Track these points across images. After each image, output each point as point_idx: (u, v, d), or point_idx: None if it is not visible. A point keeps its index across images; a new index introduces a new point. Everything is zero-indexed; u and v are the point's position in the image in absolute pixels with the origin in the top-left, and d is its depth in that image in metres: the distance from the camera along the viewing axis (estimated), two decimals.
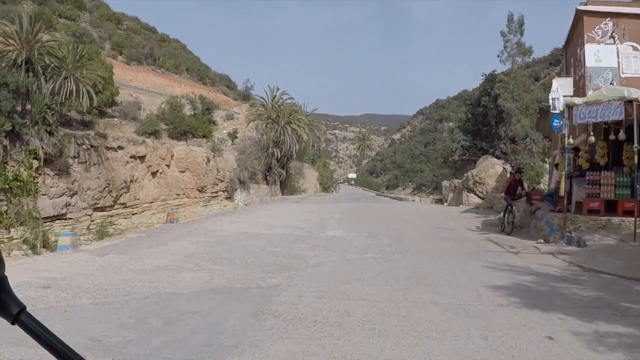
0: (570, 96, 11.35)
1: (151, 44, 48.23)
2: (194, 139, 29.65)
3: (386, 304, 4.84)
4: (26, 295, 4.58)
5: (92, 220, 21.44)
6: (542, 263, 7.56)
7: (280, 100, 36.47)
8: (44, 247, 16.03)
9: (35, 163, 18.02)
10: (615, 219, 9.82)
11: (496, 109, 26.90)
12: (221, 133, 35.24)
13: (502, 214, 13.26)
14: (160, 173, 26.64)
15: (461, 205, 22.53)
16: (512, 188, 12.56)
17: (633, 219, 9.08)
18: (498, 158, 25.76)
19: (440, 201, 28.11)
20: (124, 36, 44.70)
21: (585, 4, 13.33)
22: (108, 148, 23.06)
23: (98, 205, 21.85)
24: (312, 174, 46.26)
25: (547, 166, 26.45)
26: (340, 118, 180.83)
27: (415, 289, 5.58)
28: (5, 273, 0.68)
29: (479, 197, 22.63)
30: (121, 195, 23.53)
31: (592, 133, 10.55)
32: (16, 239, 16.66)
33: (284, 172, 35.09)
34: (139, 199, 25.14)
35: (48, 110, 18.24)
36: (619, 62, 13.09)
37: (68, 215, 19.94)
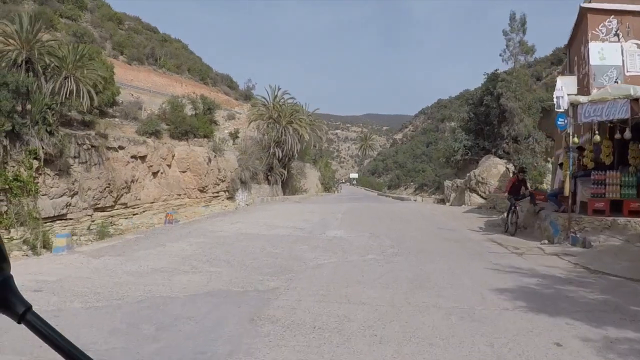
0: (575, 95, 11.18)
1: (152, 43, 48.17)
2: (195, 139, 29.54)
3: (388, 308, 4.69)
4: None
5: (93, 221, 21.35)
6: (547, 265, 7.40)
7: (282, 100, 36.35)
8: (44, 247, 15.94)
9: (36, 163, 17.95)
10: (621, 220, 9.65)
11: (499, 108, 26.72)
12: (222, 133, 35.13)
13: (505, 214, 13.10)
14: (161, 173, 26.54)
15: (463, 205, 22.36)
16: (516, 188, 12.40)
17: (639, 219, 8.92)
18: (500, 158, 25.58)
19: (442, 201, 27.94)
20: (125, 36, 44.64)
21: (589, 2, 13.16)
22: (109, 148, 22.98)
23: (99, 206, 21.76)
24: (314, 174, 46.11)
25: (550, 166, 26.27)
26: (342, 118, 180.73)
27: (417, 292, 5.43)
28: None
29: (481, 197, 22.46)
30: (122, 195, 23.44)
31: (597, 132, 10.37)
32: (16, 239, 16.58)
33: (286, 172, 34.96)
34: (140, 199, 25.05)
35: (48, 110, 18.16)
36: (623, 60, 12.92)
37: (68, 216, 19.86)
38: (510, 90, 26.21)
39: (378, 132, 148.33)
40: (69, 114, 22.23)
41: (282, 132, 33.85)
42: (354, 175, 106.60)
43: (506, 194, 12.84)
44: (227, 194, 29.53)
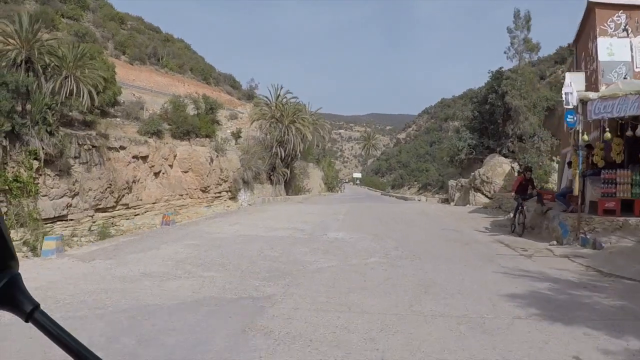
0: (583, 91, 10.86)
1: (155, 43, 48.04)
2: (197, 138, 29.33)
3: (391, 318, 4.38)
4: None
5: (94, 222, 21.21)
6: (557, 267, 7.09)
7: (284, 100, 36.12)
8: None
9: (36, 164, 17.82)
10: (633, 220, 9.32)
11: (503, 106, 26.36)
12: (225, 133, 34.92)
13: (512, 215, 12.78)
14: (163, 173, 26.37)
15: (468, 205, 22.04)
16: (523, 187, 12.08)
17: None
18: (505, 157, 25.23)
19: (446, 201, 27.63)
20: (127, 36, 44.53)
21: None
22: (110, 148, 22.82)
23: (100, 206, 21.62)
24: (317, 173, 45.86)
25: (556, 165, 25.90)
26: (345, 118, 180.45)
27: (423, 298, 5.12)
28: None
29: (486, 196, 22.14)
30: (123, 196, 23.28)
31: (607, 129, 10.04)
32: (16, 240, 16.41)
33: (288, 172, 34.71)
34: (141, 200, 24.89)
35: (48, 110, 18.01)
36: (632, 56, 12.61)
37: (69, 217, 19.72)
38: (515, 88, 25.84)
39: (381, 131, 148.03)
40: (70, 114, 22.08)
41: (284, 132, 33.61)
42: (358, 175, 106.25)
43: (513, 194, 12.51)
44: (229, 194, 29.32)
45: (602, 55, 12.53)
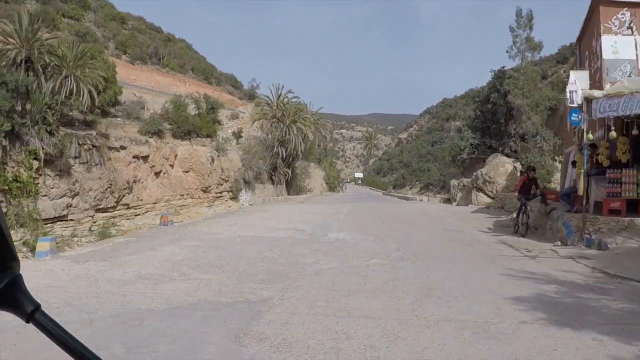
0: (588, 89, 10.69)
1: (156, 43, 47.99)
2: (198, 138, 29.22)
3: (392, 323, 4.22)
4: None
5: (94, 222, 21.13)
6: (563, 269, 6.93)
7: (286, 99, 35.99)
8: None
9: (36, 164, 17.74)
10: (639, 220, 9.15)
11: (506, 105, 26.17)
12: (226, 132, 34.81)
13: (515, 215, 12.62)
14: (164, 173, 26.28)
15: (470, 205, 21.87)
16: (526, 187, 11.91)
17: None
18: (508, 156, 25.06)
19: (448, 201, 27.47)
20: (128, 35, 44.49)
21: None
22: (110, 148, 22.73)
23: (100, 207, 21.54)
24: (319, 173, 45.72)
25: (558, 165, 25.71)
26: (347, 117, 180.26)
27: (425, 302, 4.96)
28: None
29: (488, 196, 21.98)
30: (124, 196, 23.20)
31: (613, 128, 9.87)
32: (16, 241, 16.31)
33: (290, 172, 34.58)
34: (142, 200, 24.80)
35: (48, 109, 17.94)
36: (637, 54, 12.44)
37: (69, 217, 19.64)
38: (517, 87, 25.65)
39: (383, 131, 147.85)
40: (70, 113, 22.00)
41: (286, 132, 33.47)
42: (359, 174, 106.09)
43: (516, 194, 12.35)
44: (230, 194, 29.20)
45: (607, 53, 12.37)
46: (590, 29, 13.95)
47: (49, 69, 20.06)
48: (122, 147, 23.35)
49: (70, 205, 19.57)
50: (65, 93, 19.87)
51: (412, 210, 19.06)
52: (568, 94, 9.74)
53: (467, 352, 3.52)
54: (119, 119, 26.72)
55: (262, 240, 9.35)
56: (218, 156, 28.33)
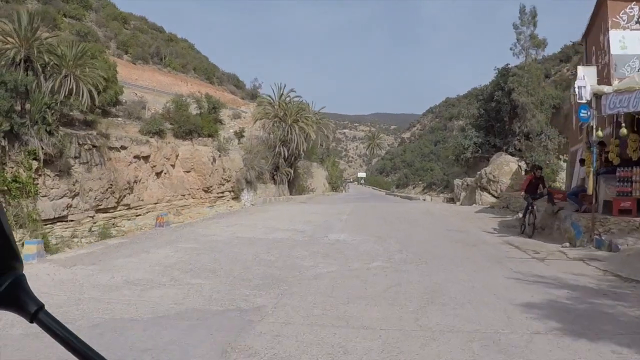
0: (597, 85, 10.38)
1: (158, 43, 47.86)
2: (200, 138, 29.03)
3: (394, 334, 3.93)
4: None
5: (95, 222, 20.98)
6: (573, 272, 6.64)
7: (288, 99, 35.75)
8: (44, 249, 15.57)
9: (35, 164, 17.62)
10: None
11: (510, 103, 25.83)
12: (228, 132, 34.62)
13: (520, 215, 12.32)
14: (165, 173, 26.10)
15: (474, 205, 21.56)
16: (533, 186, 11.60)
17: None
18: (512, 155, 24.72)
19: (451, 200, 27.17)
20: (130, 35, 44.38)
21: None
22: (111, 148, 22.58)
23: (100, 207, 21.39)
24: (321, 173, 45.48)
25: (563, 163, 25.36)
26: (350, 117, 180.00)
27: (430, 309, 4.67)
28: None
29: (493, 196, 21.67)
30: (124, 196, 23.05)
31: (623, 124, 9.56)
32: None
33: (292, 172, 34.36)
34: (142, 200, 24.64)
35: (48, 109, 17.80)
36: None
37: (69, 217, 19.50)
38: (522, 85, 25.29)
39: (386, 131, 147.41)
40: (71, 113, 21.86)
41: (288, 131, 33.24)
42: (362, 174, 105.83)
43: (522, 193, 12.04)
44: (232, 194, 29.00)
45: (615, 48, 12.06)
46: (597, 24, 13.64)
47: (49, 68, 19.92)
48: (123, 147, 23.19)
49: (70, 206, 19.42)
50: (65, 92, 19.72)
51: (415, 210, 18.77)
52: (577, 90, 9.44)
53: None
54: (119, 119, 26.56)
55: (260, 242, 9.09)
56: (220, 156, 28.13)
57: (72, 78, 19.84)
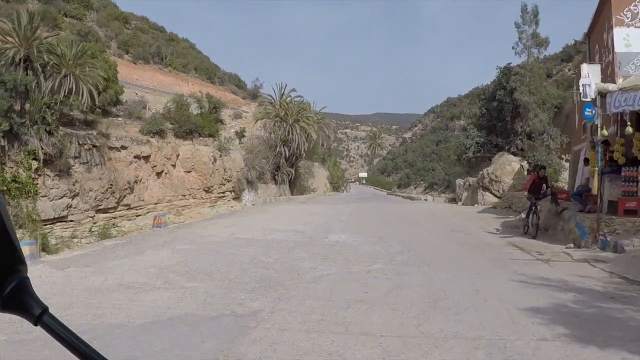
0: (602, 83, 10.21)
1: (159, 42, 47.77)
2: (200, 138, 28.92)
3: (395, 341, 3.77)
4: None
5: (95, 223, 20.88)
6: (578, 274, 6.49)
7: (289, 98, 35.64)
8: (44, 250, 15.50)
9: (35, 164, 17.53)
10: None
11: (512, 103, 25.64)
12: (229, 132, 34.53)
13: (524, 215, 12.16)
14: (166, 173, 26.00)
15: (476, 205, 21.40)
16: (536, 186, 11.45)
17: None
18: (514, 155, 24.54)
19: (453, 200, 27.01)
20: (130, 35, 44.31)
21: None
22: (111, 148, 22.48)
23: (101, 207, 21.29)
24: (322, 173, 45.33)
25: (566, 163, 25.17)
26: (351, 117, 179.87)
27: (432, 314, 4.52)
28: None
29: (495, 195, 21.51)
30: (125, 196, 22.95)
31: (629, 123, 9.40)
32: None
33: (293, 172, 34.24)
34: (143, 200, 24.54)
35: (47, 109, 17.71)
36: None
37: (69, 218, 19.41)
38: (524, 84, 25.10)
39: (387, 131, 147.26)
40: (71, 113, 21.78)
41: (289, 131, 33.13)
42: (364, 174, 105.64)
43: (525, 193, 11.88)
44: (233, 194, 28.90)
45: (619, 46, 11.89)
46: (601, 22, 13.47)
47: (48, 68, 19.84)
48: (123, 147, 23.09)
49: (70, 206, 19.33)
50: (65, 92, 19.64)
51: (416, 211, 18.61)
52: (581, 88, 9.29)
53: None
54: (120, 119, 26.47)
55: (258, 243, 8.92)
56: (220, 156, 28.02)
57: (71, 78, 19.76)
